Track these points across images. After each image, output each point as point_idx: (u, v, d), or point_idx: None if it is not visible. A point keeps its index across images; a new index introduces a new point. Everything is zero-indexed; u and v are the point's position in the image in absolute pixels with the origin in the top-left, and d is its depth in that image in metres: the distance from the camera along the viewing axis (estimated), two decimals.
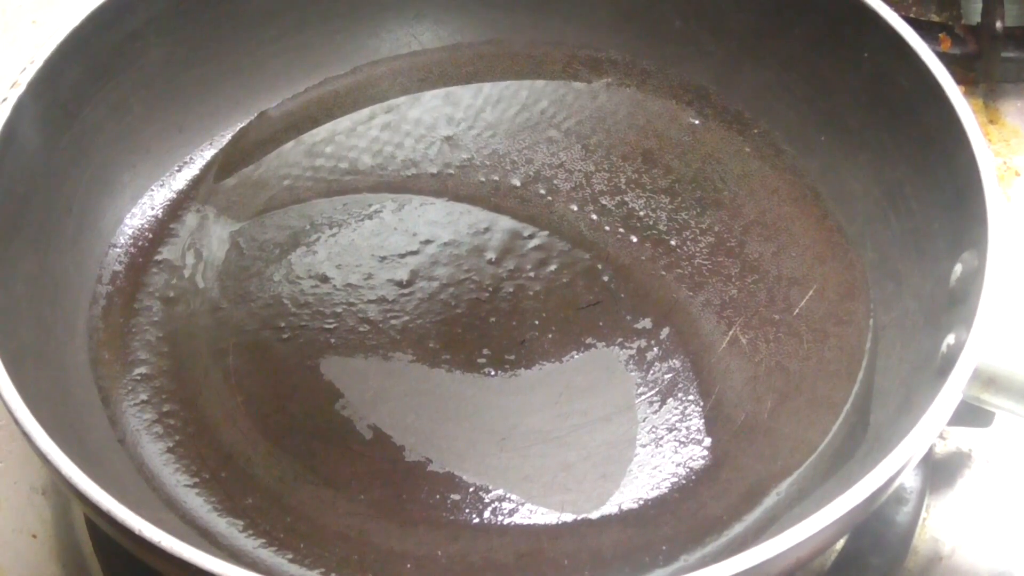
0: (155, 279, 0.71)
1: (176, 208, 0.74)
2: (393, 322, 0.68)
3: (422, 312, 0.68)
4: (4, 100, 0.64)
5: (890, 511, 0.64)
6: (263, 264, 0.71)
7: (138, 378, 0.67)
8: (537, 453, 0.63)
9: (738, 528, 0.61)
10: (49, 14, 0.91)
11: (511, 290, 0.69)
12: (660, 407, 0.64)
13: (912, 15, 0.86)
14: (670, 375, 0.66)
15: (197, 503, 0.62)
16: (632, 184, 0.73)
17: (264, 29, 0.77)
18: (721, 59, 0.77)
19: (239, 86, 0.77)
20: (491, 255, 0.71)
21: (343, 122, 0.77)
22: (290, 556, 0.60)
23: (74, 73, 0.68)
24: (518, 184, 0.74)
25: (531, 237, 0.72)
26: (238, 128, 0.77)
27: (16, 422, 0.55)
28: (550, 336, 0.67)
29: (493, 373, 0.66)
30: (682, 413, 0.64)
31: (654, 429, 0.64)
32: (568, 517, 0.61)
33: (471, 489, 0.62)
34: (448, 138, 0.76)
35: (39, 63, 0.66)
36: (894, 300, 0.66)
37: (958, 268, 0.60)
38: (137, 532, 0.51)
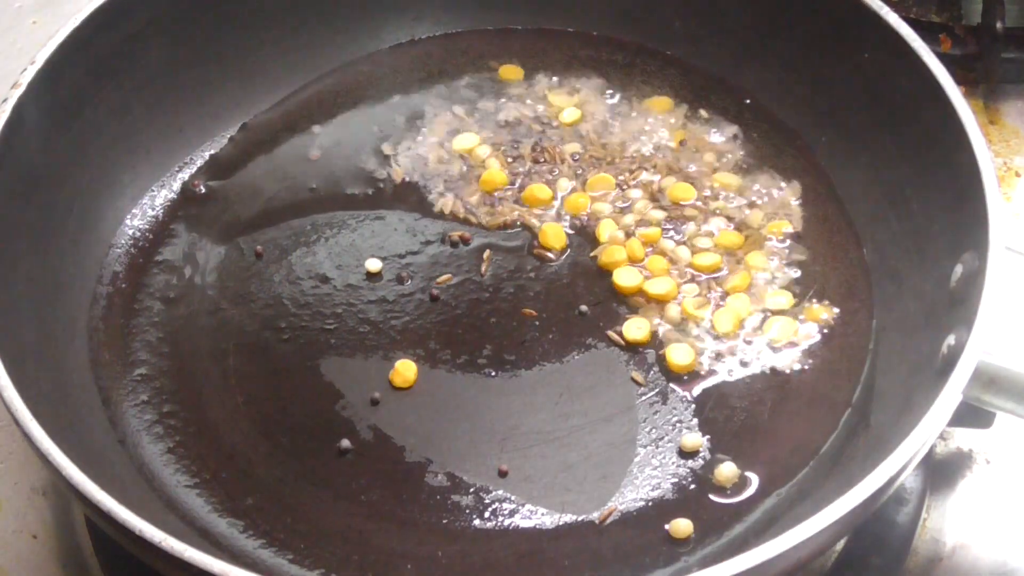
0: (155, 279, 0.71)
1: (176, 208, 0.74)
2: (393, 323, 0.68)
3: (422, 312, 0.68)
4: (4, 100, 0.64)
5: (890, 511, 0.64)
6: (263, 264, 0.71)
7: (138, 379, 0.67)
8: (538, 454, 0.63)
9: (738, 528, 0.61)
10: (49, 14, 0.91)
11: (511, 290, 0.69)
12: (661, 407, 0.64)
13: (912, 16, 0.85)
14: (671, 375, 0.66)
15: (197, 503, 0.62)
16: (632, 184, 0.73)
17: (264, 30, 0.77)
18: (721, 60, 0.77)
19: (239, 87, 0.77)
20: (492, 255, 0.71)
21: (343, 121, 0.77)
22: (290, 556, 0.60)
23: (74, 73, 0.68)
24: (519, 184, 0.74)
25: (531, 237, 0.71)
26: (238, 128, 0.77)
27: (17, 423, 0.55)
28: (550, 336, 0.67)
29: (493, 373, 0.66)
30: (682, 413, 0.64)
31: (654, 429, 0.64)
32: (569, 518, 0.61)
33: (471, 490, 0.62)
34: (449, 138, 0.76)
35: (39, 63, 0.66)
36: (895, 301, 0.66)
37: (958, 269, 0.60)
38: (138, 532, 0.51)
